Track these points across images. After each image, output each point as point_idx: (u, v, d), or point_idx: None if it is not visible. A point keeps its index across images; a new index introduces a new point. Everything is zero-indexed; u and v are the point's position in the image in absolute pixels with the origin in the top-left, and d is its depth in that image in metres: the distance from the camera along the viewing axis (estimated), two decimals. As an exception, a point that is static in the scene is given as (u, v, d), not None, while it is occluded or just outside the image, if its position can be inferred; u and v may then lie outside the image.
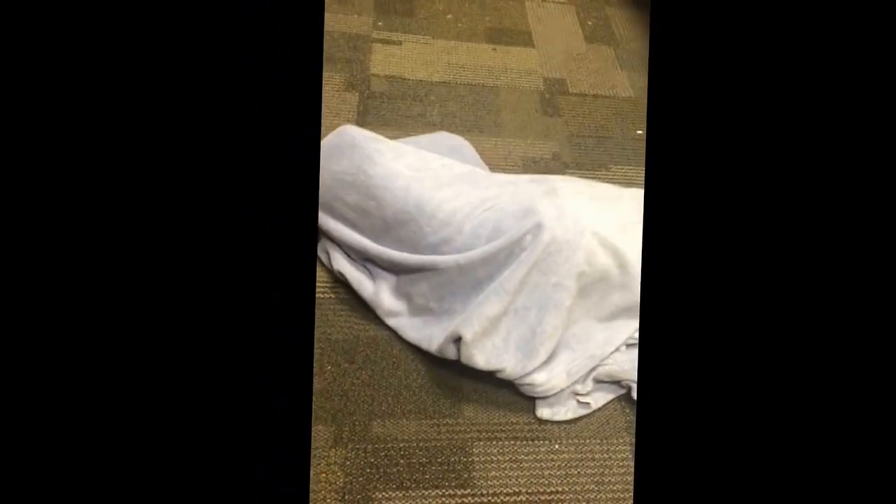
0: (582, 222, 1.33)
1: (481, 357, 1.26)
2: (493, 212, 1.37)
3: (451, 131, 1.80)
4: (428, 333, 1.32)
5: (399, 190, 1.41)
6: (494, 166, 1.71)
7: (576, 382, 1.29)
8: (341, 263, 1.42)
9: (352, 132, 1.52)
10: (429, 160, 1.51)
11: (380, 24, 2.12)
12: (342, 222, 1.44)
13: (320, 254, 1.45)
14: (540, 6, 2.32)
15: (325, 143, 1.50)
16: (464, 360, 1.26)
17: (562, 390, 1.28)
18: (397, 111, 1.84)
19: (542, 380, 1.27)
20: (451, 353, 1.27)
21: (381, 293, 1.37)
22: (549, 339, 1.29)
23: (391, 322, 1.36)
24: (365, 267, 1.43)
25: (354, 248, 1.43)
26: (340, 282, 1.42)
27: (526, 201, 1.36)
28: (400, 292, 1.38)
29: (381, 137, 1.55)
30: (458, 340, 1.26)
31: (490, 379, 1.29)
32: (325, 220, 1.45)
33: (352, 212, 1.43)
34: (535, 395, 1.28)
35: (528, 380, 1.27)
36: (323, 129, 1.76)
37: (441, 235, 1.36)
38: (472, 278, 1.33)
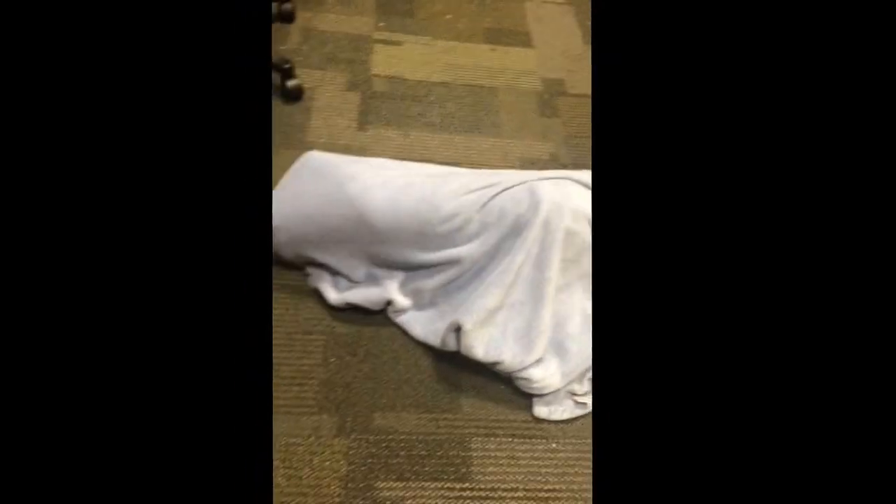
0: (585, 210, 1.34)
1: (480, 348, 1.28)
2: (499, 199, 1.36)
3: (451, 132, 1.83)
4: (434, 328, 1.35)
5: (394, 193, 1.36)
6: (492, 167, 1.74)
7: (572, 382, 1.31)
8: (335, 296, 1.38)
9: (323, 155, 1.47)
10: (411, 166, 1.50)
11: (381, 24, 2.14)
12: (345, 244, 1.38)
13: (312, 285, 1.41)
14: (539, 7, 2.33)
15: (298, 168, 1.45)
16: (463, 350, 1.28)
17: (558, 390, 1.30)
18: (397, 111, 1.86)
19: (539, 376, 1.29)
20: (451, 343, 1.29)
21: (388, 293, 1.38)
22: (544, 333, 1.31)
23: (399, 319, 1.38)
24: (368, 276, 1.41)
25: (365, 256, 1.39)
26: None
27: (530, 185, 1.36)
28: (407, 289, 1.39)
29: (356, 158, 1.52)
30: (458, 330, 1.28)
31: (488, 373, 1.31)
32: (326, 249, 1.39)
33: (350, 223, 1.36)
34: (532, 392, 1.30)
35: (524, 374, 1.28)
36: (327, 127, 1.79)
37: (451, 225, 1.35)
38: (476, 268, 1.34)
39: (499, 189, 1.37)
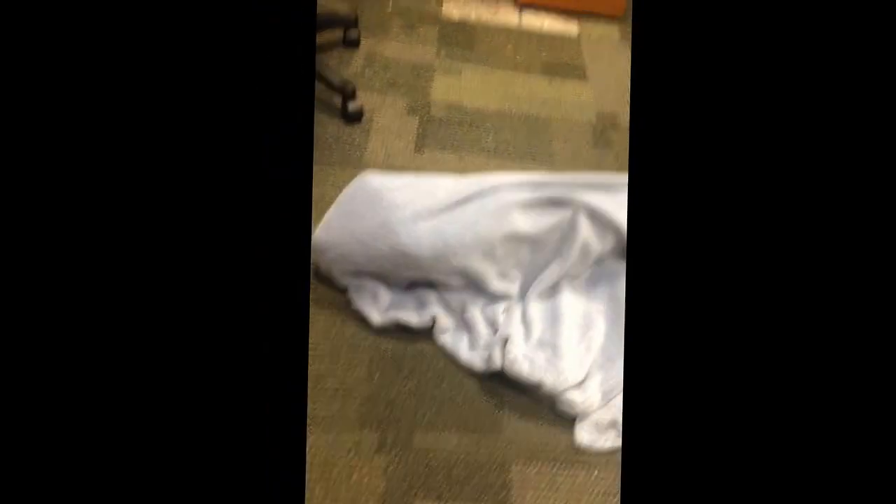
0: None
1: (525, 364, 1.30)
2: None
3: (505, 158, 1.85)
4: (479, 351, 1.36)
5: (439, 223, 1.40)
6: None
7: (612, 399, 1.30)
8: (378, 317, 1.39)
9: (377, 179, 1.50)
10: (462, 181, 1.54)
11: (442, 53, 2.20)
12: (390, 271, 1.42)
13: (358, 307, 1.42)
14: (596, 43, 2.37)
15: (353, 191, 1.48)
16: (507, 365, 1.30)
17: (598, 410, 1.29)
18: (454, 136, 1.90)
19: (580, 399, 1.29)
20: (497, 358, 1.31)
21: (432, 310, 1.41)
22: (589, 354, 1.35)
23: (443, 340, 1.39)
24: (411, 296, 1.44)
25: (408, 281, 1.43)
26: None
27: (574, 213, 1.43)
28: (450, 306, 1.42)
29: (410, 181, 1.53)
30: (504, 346, 1.31)
31: (531, 396, 1.31)
32: (372, 272, 1.43)
33: (395, 254, 1.39)
34: (574, 414, 1.29)
35: (566, 396, 1.29)
36: (385, 149, 1.83)
37: (496, 269, 1.42)
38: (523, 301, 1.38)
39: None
